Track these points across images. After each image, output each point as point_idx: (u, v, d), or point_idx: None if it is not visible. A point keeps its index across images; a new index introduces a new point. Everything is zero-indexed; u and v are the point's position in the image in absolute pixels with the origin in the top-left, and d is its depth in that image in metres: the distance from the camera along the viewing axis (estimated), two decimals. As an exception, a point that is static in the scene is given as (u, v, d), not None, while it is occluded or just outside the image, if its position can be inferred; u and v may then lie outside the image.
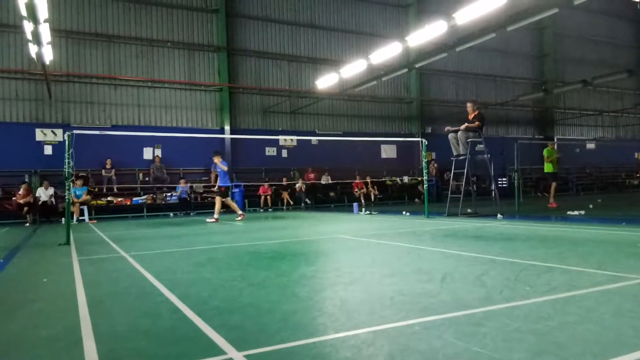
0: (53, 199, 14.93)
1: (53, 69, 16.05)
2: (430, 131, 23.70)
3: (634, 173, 28.65)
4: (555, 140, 27.50)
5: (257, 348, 2.22)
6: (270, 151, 20.61)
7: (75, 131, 7.95)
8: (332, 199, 20.29)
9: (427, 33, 12.70)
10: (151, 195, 17.09)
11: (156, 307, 3.14)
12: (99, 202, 16.30)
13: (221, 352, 2.19)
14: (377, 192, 20.93)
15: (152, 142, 18.19)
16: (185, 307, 3.07)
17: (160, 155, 18.25)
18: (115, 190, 17.07)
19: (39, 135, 16.72)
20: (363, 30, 22.71)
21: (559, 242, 5.90)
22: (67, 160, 7.66)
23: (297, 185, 19.47)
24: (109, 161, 17.09)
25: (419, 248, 5.73)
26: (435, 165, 22.10)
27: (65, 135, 7.80)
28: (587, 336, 2.26)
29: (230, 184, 13.42)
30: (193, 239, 8.15)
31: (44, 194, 14.74)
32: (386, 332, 2.42)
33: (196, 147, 18.26)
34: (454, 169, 11.55)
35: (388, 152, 23.18)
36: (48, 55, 12.74)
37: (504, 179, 22.05)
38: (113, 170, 17.20)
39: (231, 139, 19.20)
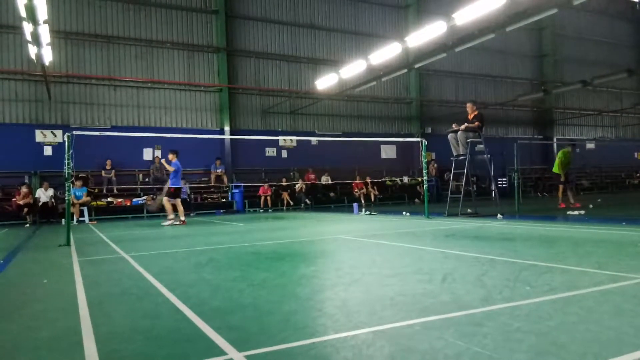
0: (53, 200, 14.93)
1: (52, 70, 16.05)
2: (430, 131, 23.71)
3: (634, 173, 28.65)
4: (555, 140, 27.54)
5: (258, 348, 2.22)
6: (270, 152, 20.62)
7: (75, 132, 7.94)
8: (332, 199, 20.29)
9: (426, 33, 12.71)
10: (151, 196, 17.07)
11: (156, 308, 3.14)
12: (99, 203, 16.29)
13: (222, 352, 2.19)
14: (377, 193, 20.93)
15: (151, 143, 18.19)
16: (185, 307, 3.07)
17: (160, 156, 18.23)
18: (115, 191, 17.06)
19: (39, 136, 16.72)
20: (362, 31, 22.71)
21: (559, 242, 5.90)
22: (67, 161, 7.66)
23: (297, 186, 19.47)
24: (108, 162, 17.09)
25: (419, 248, 5.73)
26: (435, 165, 22.11)
27: (65, 136, 7.81)
28: (588, 336, 2.26)
29: (181, 185, 12.43)
30: (193, 239, 8.15)
31: (43, 195, 14.74)
32: (386, 332, 2.42)
33: (196, 148, 18.25)
34: (454, 169, 11.55)
35: (388, 152, 23.19)
36: (47, 56, 12.74)
37: (503, 179, 22.07)
38: (113, 171, 17.20)
39: (231, 139, 19.21)
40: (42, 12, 9.81)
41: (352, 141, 20.09)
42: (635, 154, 30.96)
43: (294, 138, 20.14)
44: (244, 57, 20.27)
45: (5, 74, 16.31)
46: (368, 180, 20.65)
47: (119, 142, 16.42)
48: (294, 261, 5.14)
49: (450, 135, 11.17)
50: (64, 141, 7.89)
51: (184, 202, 17.30)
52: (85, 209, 14.94)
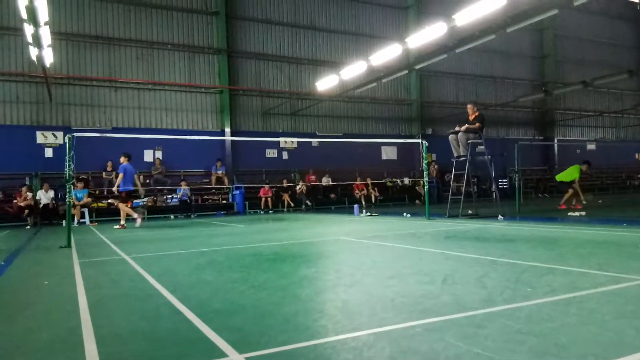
0: (54, 202, 14.94)
1: (53, 72, 16.06)
2: (430, 132, 23.71)
3: (635, 174, 28.62)
4: (556, 140, 27.51)
5: (258, 350, 2.22)
6: (271, 153, 20.62)
7: (75, 133, 7.94)
8: (332, 200, 20.29)
9: (427, 34, 12.72)
10: (152, 197, 17.08)
11: (157, 310, 3.14)
12: (100, 204, 16.30)
13: (222, 354, 2.19)
14: (377, 194, 20.92)
15: (152, 145, 18.21)
16: (186, 309, 3.07)
17: (160, 158, 18.27)
18: (115, 192, 17.03)
19: (40, 137, 16.74)
20: (363, 32, 22.73)
21: (560, 243, 5.90)
22: (67, 163, 7.67)
23: (297, 187, 19.47)
24: (109, 163, 17.09)
25: (420, 250, 5.72)
26: (436, 166, 22.11)
27: (66, 138, 7.82)
28: (589, 337, 2.25)
29: (132, 189, 12.09)
30: (194, 241, 8.15)
31: (44, 196, 14.74)
32: (387, 333, 2.41)
33: (197, 150, 18.27)
34: (455, 170, 11.54)
35: (388, 153, 23.19)
36: (48, 57, 12.76)
37: (504, 180, 22.06)
38: (114, 172, 17.18)
39: (232, 141, 19.22)
40: (43, 14, 9.82)
41: (352, 142, 20.11)
42: (636, 154, 30.94)
43: (295, 139, 20.14)
44: (244, 59, 20.29)
45: (6, 75, 16.33)
46: (369, 182, 20.65)
47: (119, 144, 16.36)
48: (294, 262, 5.14)
49: (450, 136, 11.17)
50: (64, 143, 7.90)
51: (184, 203, 17.42)
52: (86, 210, 14.95)
